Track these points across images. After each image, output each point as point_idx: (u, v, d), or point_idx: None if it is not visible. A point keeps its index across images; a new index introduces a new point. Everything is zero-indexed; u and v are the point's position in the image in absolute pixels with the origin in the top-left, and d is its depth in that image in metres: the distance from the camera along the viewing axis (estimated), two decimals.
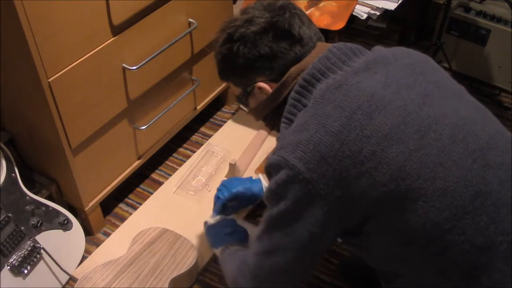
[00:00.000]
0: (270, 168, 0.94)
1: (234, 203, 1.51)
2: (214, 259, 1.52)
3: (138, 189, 1.77)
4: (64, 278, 1.46)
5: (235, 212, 1.54)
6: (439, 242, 0.86)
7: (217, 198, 1.49)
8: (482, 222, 0.85)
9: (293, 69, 1.00)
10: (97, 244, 1.57)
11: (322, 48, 1.01)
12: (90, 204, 1.54)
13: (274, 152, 0.94)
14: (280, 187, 0.91)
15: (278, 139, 1.02)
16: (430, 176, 0.85)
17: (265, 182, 1.52)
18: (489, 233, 0.85)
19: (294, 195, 0.89)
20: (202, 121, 1.99)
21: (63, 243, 1.45)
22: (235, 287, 1.10)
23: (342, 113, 0.88)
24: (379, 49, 1.02)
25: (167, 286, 1.36)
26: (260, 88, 1.04)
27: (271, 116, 1.08)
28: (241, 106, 1.15)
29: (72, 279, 1.47)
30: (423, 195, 0.85)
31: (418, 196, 0.85)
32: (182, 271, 1.40)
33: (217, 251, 1.28)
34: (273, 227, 0.96)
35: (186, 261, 1.42)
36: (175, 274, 1.38)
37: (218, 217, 1.46)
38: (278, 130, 1.06)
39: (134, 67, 1.43)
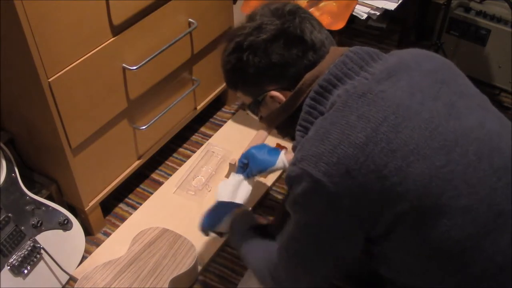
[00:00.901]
0: (291, 180, 0.91)
1: (249, 165, 1.50)
2: (214, 259, 1.52)
3: (138, 189, 1.77)
4: (64, 278, 1.46)
5: (252, 175, 1.51)
6: (459, 259, 0.85)
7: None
8: (503, 241, 0.84)
9: (308, 76, 0.97)
10: (97, 244, 1.57)
11: (336, 52, 0.98)
12: (90, 204, 1.54)
13: (293, 162, 0.91)
14: (305, 199, 0.89)
15: (294, 148, 0.99)
16: (454, 194, 0.83)
17: (284, 157, 1.48)
18: (509, 252, 0.84)
19: (319, 208, 0.88)
20: (202, 121, 1.99)
21: (63, 243, 1.45)
22: (260, 280, 1.10)
23: (367, 124, 0.85)
24: (398, 53, 0.99)
25: (167, 286, 1.36)
26: (273, 97, 1.01)
27: (284, 124, 1.05)
28: (250, 113, 1.11)
29: (72, 279, 1.47)
30: (446, 212, 0.83)
31: (441, 213, 0.83)
32: (182, 271, 1.40)
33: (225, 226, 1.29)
34: (300, 236, 0.95)
35: (186, 261, 1.42)
36: (175, 274, 1.38)
37: (237, 176, 1.47)
38: (292, 138, 1.03)
39: (134, 67, 1.43)
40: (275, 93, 1.00)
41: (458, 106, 0.90)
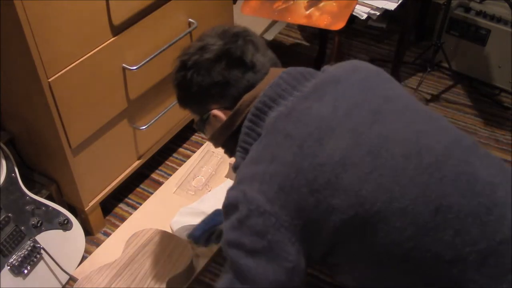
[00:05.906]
0: (228, 207, 0.92)
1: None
2: (214, 259, 1.52)
3: (138, 189, 1.77)
4: (64, 278, 1.46)
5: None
6: (407, 261, 0.85)
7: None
8: (446, 236, 0.84)
9: (246, 97, 1.00)
10: (97, 244, 1.57)
11: (273, 74, 1.01)
12: (90, 204, 1.54)
13: (231, 188, 0.93)
14: (244, 224, 0.88)
15: (235, 169, 1.00)
16: (387, 198, 0.84)
17: None
18: (455, 245, 0.84)
19: (258, 231, 0.87)
20: None
21: (63, 243, 1.45)
22: None
23: (293, 142, 0.88)
24: (329, 69, 1.02)
25: (164, 287, 1.35)
26: (215, 116, 1.04)
27: (228, 143, 1.07)
28: (200, 133, 1.14)
29: (72, 279, 1.47)
30: (383, 218, 0.84)
31: (378, 220, 0.84)
32: (179, 271, 1.39)
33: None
34: (246, 264, 0.90)
35: (181, 261, 1.42)
36: (171, 274, 1.38)
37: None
38: None
39: (134, 67, 1.43)
40: (217, 112, 1.03)
41: (383, 111, 0.91)
